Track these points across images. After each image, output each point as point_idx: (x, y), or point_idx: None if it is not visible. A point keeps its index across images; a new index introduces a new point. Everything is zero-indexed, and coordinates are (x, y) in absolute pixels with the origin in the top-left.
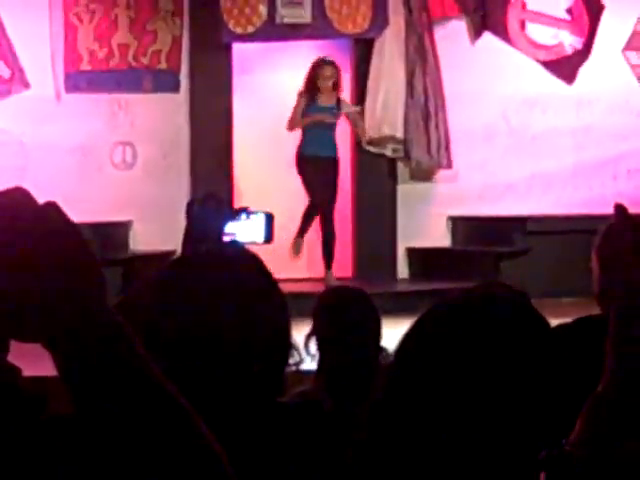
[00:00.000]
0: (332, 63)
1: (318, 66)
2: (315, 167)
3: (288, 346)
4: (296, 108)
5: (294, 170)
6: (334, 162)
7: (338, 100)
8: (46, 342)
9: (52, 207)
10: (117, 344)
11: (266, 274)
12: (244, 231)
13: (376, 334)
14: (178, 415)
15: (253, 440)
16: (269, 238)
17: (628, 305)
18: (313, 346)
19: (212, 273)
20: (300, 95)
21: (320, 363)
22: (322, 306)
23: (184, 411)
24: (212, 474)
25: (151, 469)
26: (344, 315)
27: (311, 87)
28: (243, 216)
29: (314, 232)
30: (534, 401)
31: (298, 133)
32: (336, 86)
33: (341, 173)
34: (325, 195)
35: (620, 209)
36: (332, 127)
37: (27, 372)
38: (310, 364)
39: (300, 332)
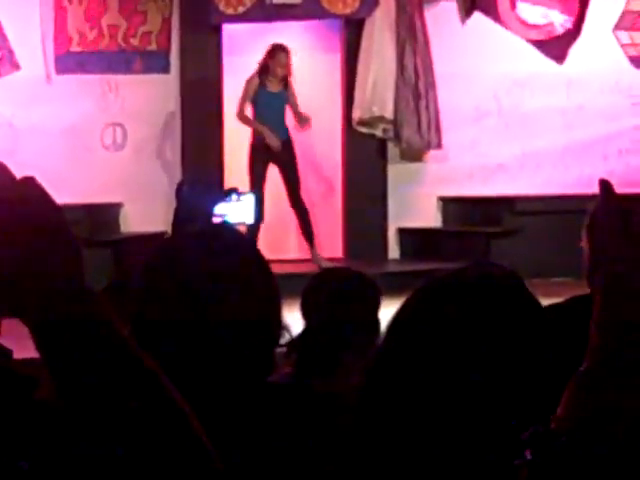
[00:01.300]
0: (287, 50)
1: (275, 52)
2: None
3: (279, 326)
4: (244, 96)
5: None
6: (288, 144)
7: (286, 85)
8: (22, 315)
9: (30, 181)
10: (94, 317)
11: (256, 254)
12: (234, 212)
13: (368, 313)
14: (159, 394)
15: (243, 420)
16: (259, 219)
17: (612, 283)
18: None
19: (202, 254)
20: (249, 82)
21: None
22: (313, 283)
23: (165, 391)
24: (198, 461)
25: (133, 453)
26: (331, 290)
27: (264, 73)
28: (233, 197)
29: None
30: (524, 379)
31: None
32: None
33: (332, 153)
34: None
35: (604, 185)
36: (282, 111)
37: (19, 354)
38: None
39: (291, 312)
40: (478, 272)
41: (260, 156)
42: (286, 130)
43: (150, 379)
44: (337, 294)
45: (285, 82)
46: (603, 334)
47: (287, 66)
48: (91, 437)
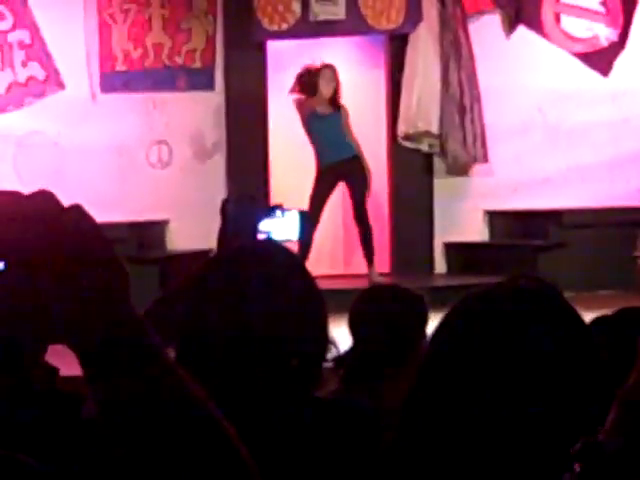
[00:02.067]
0: (334, 67)
1: (322, 69)
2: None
3: (326, 341)
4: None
5: None
6: (356, 160)
7: (337, 107)
8: (71, 343)
9: (76, 209)
10: (141, 344)
11: (303, 270)
12: (279, 229)
13: (416, 329)
14: (200, 417)
15: (290, 435)
16: (303, 236)
17: None
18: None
19: (249, 270)
20: (300, 104)
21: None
22: (361, 299)
23: (207, 412)
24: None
25: (174, 473)
26: (384, 304)
27: (311, 94)
28: (278, 213)
29: (350, 228)
30: (569, 393)
31: None
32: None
33: (378, 169)
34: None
35: None
36: (337, 130)
37: (65, 371)
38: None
39: (338, 328)
40: (514, 286)
41: (327, 178)
42: (349, 146)
43: (198, 407)
44: (385, 310)
45: (335, 104)
46: None
47: (336, 80)
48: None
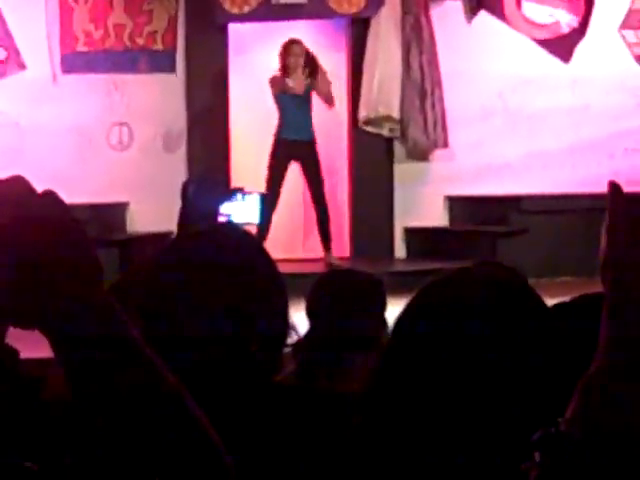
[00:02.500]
0: (298, 41)
1: (287, 46)
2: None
3: (286, 326)
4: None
5: None
6: (312, 145)
7: (312, 82)
8: (41, 326)
9: (49, 194)
10: (112, 327)
11: (263, 254)
12: (239, 212)
13: (374, 313)
14: (172, 399)
15: (250, 420)
16: (266, 219)
17: (621, 283)
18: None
19: (209, 254)
20: (273, 81)
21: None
22: (319, 283)
23: (179, 395)
24: (208, 460)
25: (146, 454)
26: (343, 288)
27: (284, 73)
28: (238, 197)
29: (311, 212)
30: (530, 379)
31: None
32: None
33: (339, 152)
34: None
35: (614, 187)
36: (306, 113)
37: (26, 354)
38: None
39: (298, 312)
40: (480, 271)
41: (283, 154)
42: (311, 129)
43: (169, 391)
44: (343, 294)
45: (311, 78)
46: (612, 333)
47: (305, 54)
48: (101, 439)
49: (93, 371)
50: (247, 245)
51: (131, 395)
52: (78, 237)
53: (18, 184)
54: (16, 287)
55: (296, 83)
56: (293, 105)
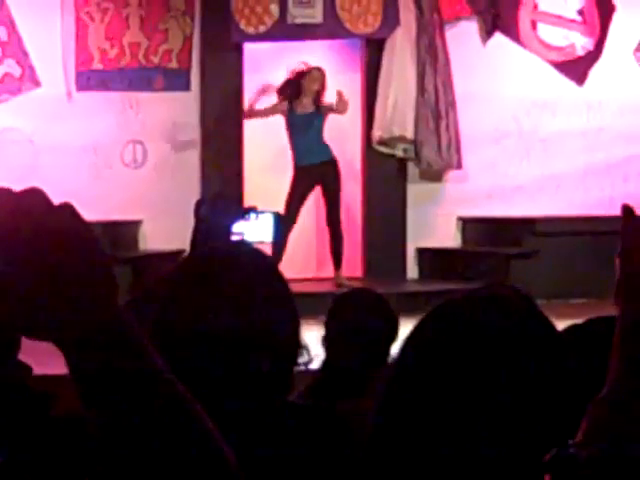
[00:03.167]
0: (322, 70)
1: (310, 71)
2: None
3: (297, 345)
4: (263, 112)
5: None
6: (332, 164)
7: (318, 106)
8: (57, 341)
9: (67, 208)
10: (128, 344)
11: (275, 273)
12: (253, 230)
13: (389, 337)
14: (187, 417)
15: (262, 439)
16: (277, 238)
17: (635, 307)
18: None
19: (221, 272)
20: (275, 106)
21: (325, 362)
22: (336, 307)
23: (194, 413)
24: (222, 477)
25: (159, 471)
26: (357, 316)
27: (295, 95)
28: (252, 215)
29: (323, 231)
30: (540, 402)
31: None
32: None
33: (352, 172)
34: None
35: (627, 210)
36: (318, 131)
37: (37, 370)
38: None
39: (310, 332)
40: (488, 294)
41: (305, 181)
42: (327, 149)
43: (184, 409)
44: (358, 329)
45: (317, 101)
46: (624, 356)
47: (322, 82)
48: (112, 455)
49: (108, 387)
50: (260, 264)
51: (146, 411)
52: (95, 251)
53: (35, 197)
54: (33, 299)
55: (304, 103)
56: (304, 125)
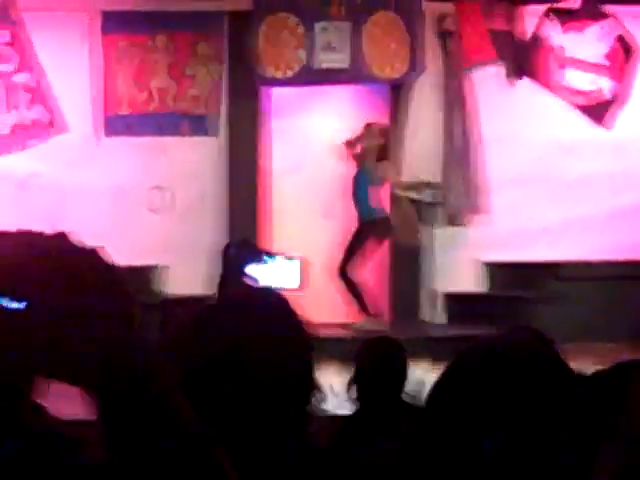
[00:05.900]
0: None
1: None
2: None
3: (312, 387)
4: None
5: (329, 215)
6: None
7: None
8: (89, 387)
9: (95, 251)
10: (159, 392)
11: (295, 319)
12: (278, 276)
13: (402, 381)
14: (212, 464)
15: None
16: (302, 284)
17: None
18: (353, 391)
19: (246, 316)
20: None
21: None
22: (366, 354)
23: (219, 463)
24: None
25: None
26: (387, 365)
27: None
28: (278, 261)
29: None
30: (551, 442)
31: (336, 179)
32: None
33: None
34: None
35: None
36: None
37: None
38: (348, 407)
39: (328, 373)
40: (509, 339)
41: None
42: (365, 211)
43: (209, 453)
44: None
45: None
46: None
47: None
48: None
49: (135, 432)
50: (277, 307)
51: (170, 459)
52: (123, 294)
53: (64, 240)
54: (62, 340)
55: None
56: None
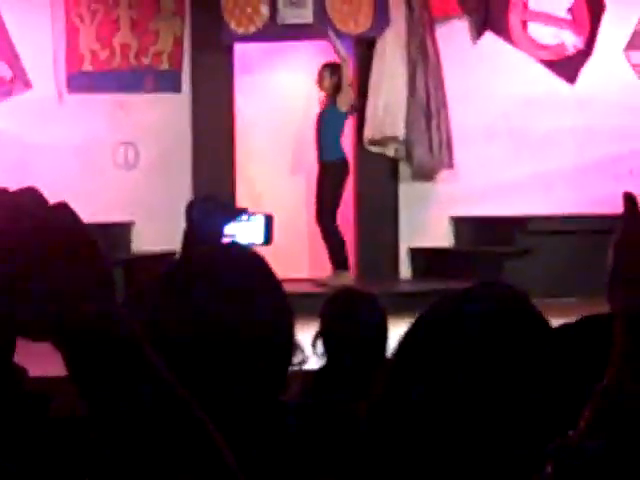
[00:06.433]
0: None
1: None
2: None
3: (292, 345)
4: None
5: (296, 171)
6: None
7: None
8: (55, 339)
9: (64, 207)
10: (126, 341)
11: (269, 274)
12: (244, 232)
13: (383, 335)
14: (187, 415)
15: (256, 439)
16: (268, 240)
17: (633, 305)
18: (320, 346)
19: (216, 273)
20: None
21: (327, 362)
22: (331, 306)
23: (193, 412)
24: (221, 477)
25: (159, 470)
26: (354, 315)
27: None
28: (243, 217)
29: (317, 234)
30: (536, 397)
31: (302, 135)
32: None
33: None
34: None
35: (629, 198)
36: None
37: (33, 372)
38: (316, 363)
39: (304, 332)
40: (485, 292)
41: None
42: (326, 152)
43: (182, 405)
44: (355, 331)
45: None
46: (625, 350)
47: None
48: (112, 455)
49: (107, 384)
50: (253, 265)
51: (145, 409)
52: (92, 249)
53: (32, 196)
54: (31, 297)
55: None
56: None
